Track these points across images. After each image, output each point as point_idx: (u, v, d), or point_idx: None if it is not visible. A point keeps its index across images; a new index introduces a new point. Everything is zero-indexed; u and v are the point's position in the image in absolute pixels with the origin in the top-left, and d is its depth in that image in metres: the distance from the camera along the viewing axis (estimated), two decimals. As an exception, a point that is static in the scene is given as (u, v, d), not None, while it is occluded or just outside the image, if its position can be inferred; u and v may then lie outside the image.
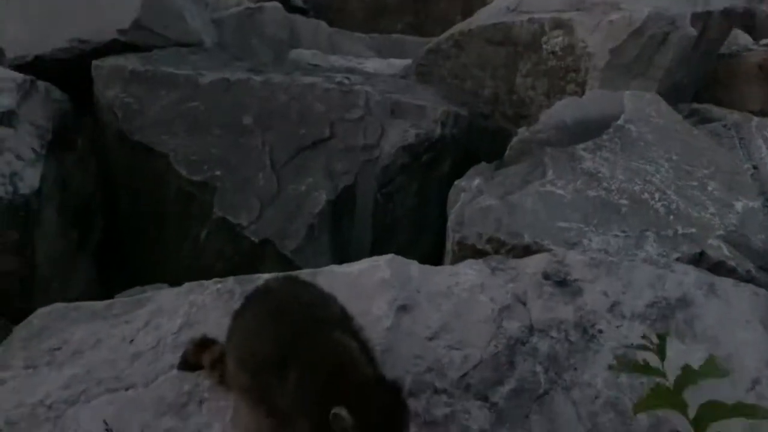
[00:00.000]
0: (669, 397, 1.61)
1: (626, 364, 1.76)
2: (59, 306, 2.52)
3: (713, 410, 1.59)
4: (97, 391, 2.14)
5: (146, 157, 3.80)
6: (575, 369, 2.16)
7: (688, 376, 1.61)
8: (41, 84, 3.86)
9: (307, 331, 1.75)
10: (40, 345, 2.36)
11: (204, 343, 2.15)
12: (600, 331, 2.27)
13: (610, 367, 2.10)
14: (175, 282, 2.65)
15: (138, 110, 3.88)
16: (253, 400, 1.76)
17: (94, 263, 3.97)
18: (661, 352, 1.66)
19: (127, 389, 2.14)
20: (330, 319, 1.84)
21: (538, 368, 2.17)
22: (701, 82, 4.88)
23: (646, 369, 1.65)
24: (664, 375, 1.64)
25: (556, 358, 2.19)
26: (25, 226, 3.38)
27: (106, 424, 1.69)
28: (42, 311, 2.50)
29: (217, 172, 3.66)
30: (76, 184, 3.89)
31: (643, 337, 1.68)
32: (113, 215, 4.03)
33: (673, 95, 4.23)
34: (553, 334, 2.27)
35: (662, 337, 1.67)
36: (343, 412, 1.53)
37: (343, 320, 1.87)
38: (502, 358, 2.20)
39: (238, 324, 1.93)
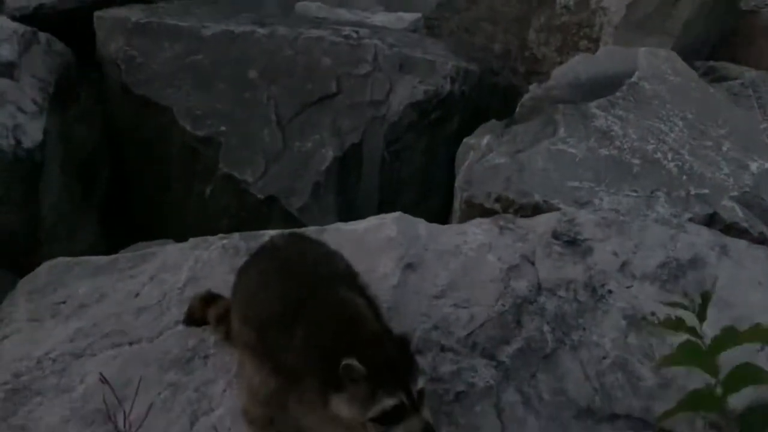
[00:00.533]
0: (701, 356, 1.59)
1: (663, 322, 1.72)
2: (64, 260, 2.51)
3: (743, 375, 1.57)
4: (102, 345, 2.14)
5: (150, 111, 3.74)
6: (583, 329, 2.14)
7: (727, 338, 1.58)
8: (42, 35, 3.77)
9: (312, 288, 1.72)
10: (45, 299, 2.35)
11: (209, 299, 2.14)
12: (609, 292, 2.24)
13: (632, 324, 2.07)
14: (180, 238, 2.63)
15: (141, 63, 3.81)
16: (259, 357, 1.75)
17: (100, 219, 3.94)
18: (701, 313, 1.62)
19: (131, 343, 2.14)
20: (336, 275, 1.81)
21: (546, 328, 2.15)
22: (719, 39, 4.74)
23: (682, 327, 1.61)
24: (699, 335, 1.61)
25: (563, 318, 2.17)
26: (28, 179, 3.34)
27: (103, 377, 1.67)
28: (46, 265, 2.49)
29: (222, 128, 3.61)
30: (79, 138, 3.84)
31: (686, 295, 1.64)
32: (118, 170, 3.99)
33: (689, 52, 4.11)
34: (562, 293, 2.24)
35: (706, 297, 1.64)
36: (353, 362, 1.52)
37: (349, 277, 1.84)
38: (509, 317, 2.18)
39: (244, 281, 1.90)
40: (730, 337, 1.66)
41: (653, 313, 2.13)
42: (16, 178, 3.29)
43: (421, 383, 1.60)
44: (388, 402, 1.53)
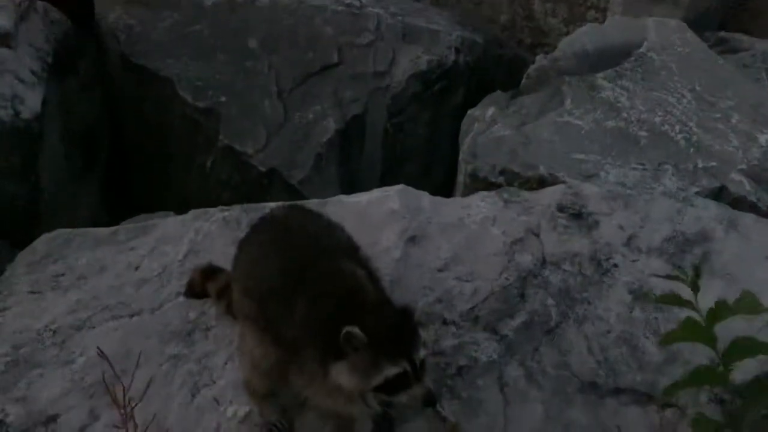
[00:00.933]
0: (700, 331, 1.57)
1: (659, 296, 1.71)
2: (63, 232, 2.48)
3: (743, 347, 1.55)
4: (103, 317, 2.13)
5: (150, 82, 3.69)
6: (588, 303, 2.12)
7: (720, 311, 1.56)
8: (40, 4, 3.70)
9: (313, 261, 1.69)
10: (45, 270, 2.33)
11: (209, 272, 2.11)
12: (615, 265, 2.21)
13: (638, 298, 2.05)
14: (181, 211, 2.60)
15: (140, 33, 3.74)
16: (260, 329, 1.73)
17: (101, 192, 3.92)
18: (694, 285, 1.60)
19: (132, 316, 2.13)
20: (337, 247, 1.78)
21: (550, 301, 2.12)
22: (730, 9, 4.65)
23: (678, 301, 1.59)
24: (697, 309, 1.59)
25: (568, 292, 2.14)
26: (27, 150, 3.31)
27: (101, 351, 1.65)
28: (46, 237, 2.47)
29: (222, 99, 3.56)
30: (79, 109, 3.79)
31: (678, 268, 1.62)
32: (119, 143, 3.95)
33: (699, 23, 4.03)
34: (567, 267, 2.21)
35: (698, 269, 1.61)
36: (355, 329, 1.49)
37: (350, 249, 1.82)
38: (513, 291, 2.15)
39: (244, 253, 1.88)
40: (723, 309, 1.64)
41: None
42: (15, 149, 3.26)
43: (423, 353, 1.57)
44: (392, 370, 1.52)
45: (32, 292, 2.26)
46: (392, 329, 1.55)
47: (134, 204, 3.71)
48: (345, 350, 1.52)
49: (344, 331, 1.49)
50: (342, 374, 1.54)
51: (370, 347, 1.51)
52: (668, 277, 1.70)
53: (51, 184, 3.52)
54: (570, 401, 1.90)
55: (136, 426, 1.49)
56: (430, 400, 1.55)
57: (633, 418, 1.87)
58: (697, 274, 1.68)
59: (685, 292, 1.70)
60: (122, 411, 1.43)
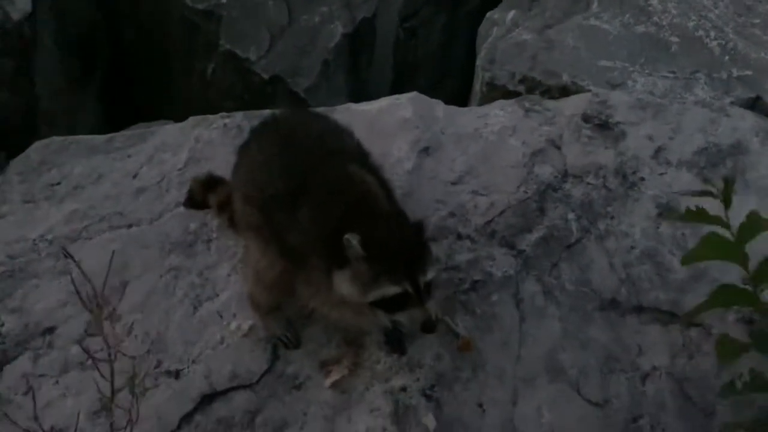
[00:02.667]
0: (727, 248, 1.45)
1: (685, 212, 1.57)
2: (57, 139, 2.36)
3: None
4: (100, 228, 2.04)
5: (147, -18, 3.47)
6: (611, 218, 1.99)
7: (753, 226, 1.44)
8: None
9: (319, 164, 1.57)
10: (39, 179, 2.23)
11: (210, 183, 2.00)
12: (641, 179, 2.08)
13: (664, 213, 1.93)
14: (181, 121, 2.46)
15: (135, -73, 3.48)
16: (263, 239, 1.63)
17: (100, 103, 3.78)
18: (726, 199, 1.47)
19: (130, 226, 2.03)
20: (344, 150, 1.65)
21: (571, 216, 2.00)
22: None
23: (706, 217, 1.47)
24: (727, 225, 1.46)
25: (591, 206, 2.02)
26: (19, 54, 3.15)
27: (75, 263, 1.54)
28: (39, 144, 2.35)
29: (223, 0, 3.33)
30: (74, 12, 3.58)
31: (705, 181, 1.48)
32: (117, 50, 3.76)
33: None
34: (590, 180, 2.08)
35: (730, 182, 1.48)
36: (355, 237, 1.40)
37: (360, 154, 1.69)
38: (531, 205, 2.03)
39: (245, 158, 1.75)
40: (755, 224, 1.52)
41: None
42: (7, 52, 3.10)
43: (431, 275, 1.48)
44: (390, 289, 1.44)
45: (26, 202, 2.17)
46: (398, 245, 1.45)
47: (135, 116, 3.57)
48: (348, 258, 1.43)
49: (345, 236, 1.40)
50: (343, 283, 1.46)
51: (372, 260, 1.42)
52: (697, 193, 1.56)
53: (47, 93, 3.39)
54: (589, 319, 1.82)
55: (119, 341, 1.41)
56: (429, 327, 1.47)
57: (654, 338, 1.79)
58: (729, 187, 1.55)
59: (716, 207, 1.58)
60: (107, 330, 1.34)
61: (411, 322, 1.46)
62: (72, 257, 1.49)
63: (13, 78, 3.15)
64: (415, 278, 1.44)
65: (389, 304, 1.45)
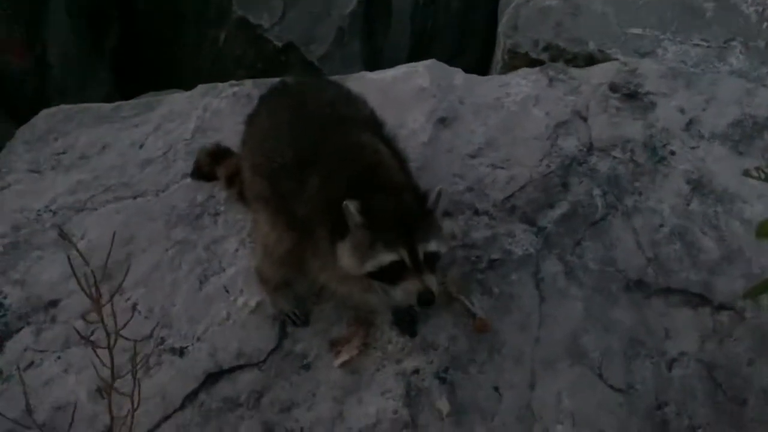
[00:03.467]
0: None
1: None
2: (64, 108, 2.30)
3: None
4: (105, 199, 1.97)
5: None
6: (639, 194, 1.89)
7: None
8: None
9: (330, 131, 1.48)
10: (45, 148, 2.17)
11: (218, 154, 1.92)
12: (672, 153, 1.96)
13: (696, 189, 1.78)
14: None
15: None
16: (272, 210, 1.55)
17: (112, 72, 3.71)
18: None
19: (136, 197, 1.96)
20: (357, 119, 1.56)
21: (596, 191, 1.90)
22: None
23: None
24: None
25: (617, 181, 1.91)
26: (31, 19, 3.09)
27: (64, 235, 1.47)
28: (46, 113, 2.29)
29: (236, -35, 3.23)
30: (87, -20, 3.51)
31: (757, 168, 1.35)
32: (130, 18, 3.67)
33: None
34: (617, 154, 1.97)
35: None
36: (353, 203, 1.32)
37: (373, 124, 1.59)
38: (554, 179, 1.93)
39: (253, 126, 1.67)
40: None
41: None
42: (16, 19, 3.05)
43: (434, 246, 1.38)
44: (386, 257, 1.34)
45: (32, 171, 2.11)
46: (397, 211, 1.36)
47: (148, 85, 3.49)
48: (350, 227, 1.35)
49: (344, 203, 1.32)
50: (344, 254, 1.38)
51: (370, 226, 1.34)
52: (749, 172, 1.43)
53: (60, 60, 3.34)
54: (613, 300, 1.72)
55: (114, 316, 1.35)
56: (427, 300, 1.34)
57: (683, 321, 1.69)
58: None
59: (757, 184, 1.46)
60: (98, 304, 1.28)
61: (407, 294, 1.35)
62: (69, 239, 1.42)
63: (25, 44, 3.10)
64: (414, 246, 1.35)
65: (386, 275, 1.36)
